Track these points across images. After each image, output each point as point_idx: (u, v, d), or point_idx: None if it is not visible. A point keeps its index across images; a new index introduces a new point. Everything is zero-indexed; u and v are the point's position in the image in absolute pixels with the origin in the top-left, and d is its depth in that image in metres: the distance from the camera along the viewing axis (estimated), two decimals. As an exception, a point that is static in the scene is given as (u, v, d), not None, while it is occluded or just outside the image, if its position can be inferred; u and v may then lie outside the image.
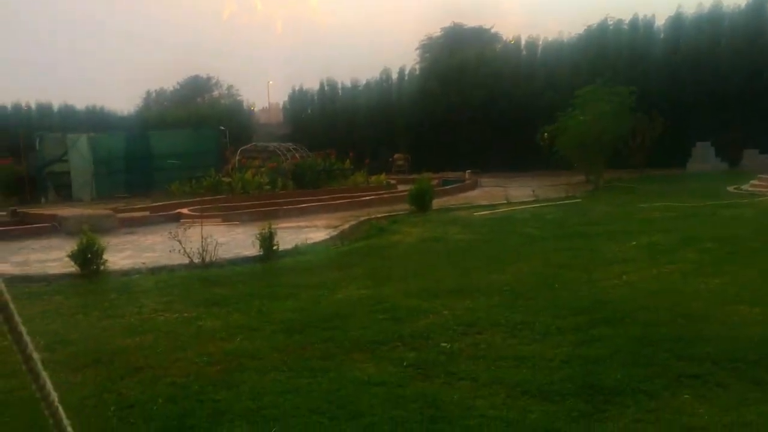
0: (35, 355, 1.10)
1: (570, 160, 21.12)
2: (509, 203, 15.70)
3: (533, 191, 17.80)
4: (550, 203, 15.56)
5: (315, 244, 10.96)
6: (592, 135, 19.23)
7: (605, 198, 16.37)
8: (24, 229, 14.40)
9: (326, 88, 37.19)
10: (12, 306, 1.07)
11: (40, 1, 75.70)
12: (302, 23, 79.01)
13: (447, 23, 44.34)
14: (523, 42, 31.71)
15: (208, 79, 53.62)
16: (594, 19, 31.97)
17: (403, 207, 15.16)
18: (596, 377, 4.29)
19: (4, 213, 17.69)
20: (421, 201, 14.62)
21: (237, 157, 24.49)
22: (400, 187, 19.95)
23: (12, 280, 9.01)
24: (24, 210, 17.50)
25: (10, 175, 23.20)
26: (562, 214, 13.27)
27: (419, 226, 12.38)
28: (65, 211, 15.65)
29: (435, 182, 18.67)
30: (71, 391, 4.57)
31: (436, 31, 44.63)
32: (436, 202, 15.61)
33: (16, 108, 38.75)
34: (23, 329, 1.08)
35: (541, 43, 31.06)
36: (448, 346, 5.08)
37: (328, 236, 11.74)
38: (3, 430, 4.04)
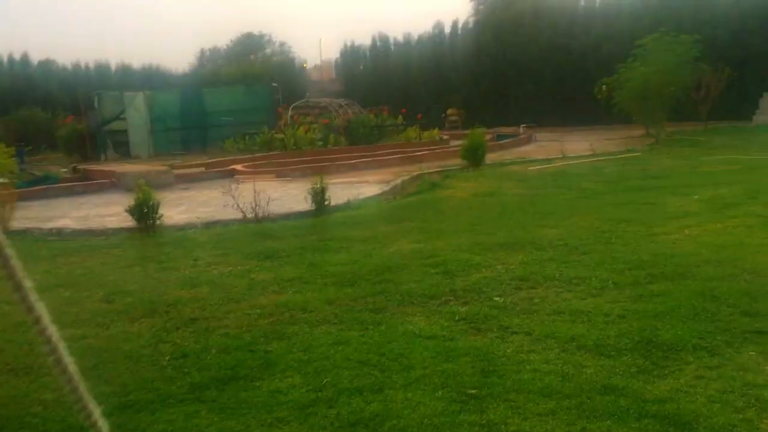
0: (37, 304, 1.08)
1: (630, 113, 20.43)
2: (565, 158, 15.32)
3: (590, 145, 17.32)
4: (608, 157, 15.12)
5: (367, 198, 10.92)
6: (654, 87, 18.50)
7: (666, 151, 15.81)
8: (84, 185, 14.79)
9: (378, 43, 36.72)
10: (12, 257, 1.03)
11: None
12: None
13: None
14: (580, -9, 30.59)
15: (261, 36, 53.63)
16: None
17: (456, 162, 14.96)
18: (655, 333, 4.15)
19: (66, 170, 18.19)
20: (473, 156, 14.39)
21: (290, 114, 24.54)
22: (453, 143, 19.68)
23: (73, 234, 9.30)
24: (84, 167, 17.97)
25: (71, 133, 23.78)
26: (620, 168, 12.88)
27: (472, 180, 12.21)
28: (123, 168, 16.00)
29: (488, 137, 18.33)
30: (128, 339, 4.68)
31: (490, -19, 43.44)
32: (490, 157, 15.34)
33: (76, 68, 39.52)
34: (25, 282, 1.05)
35: (599, -8, 29.91)
36: (501, 300, 4.99)
37: (380, 191, 11.69)
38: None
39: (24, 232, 9.45)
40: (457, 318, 4.68)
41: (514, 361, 3.89)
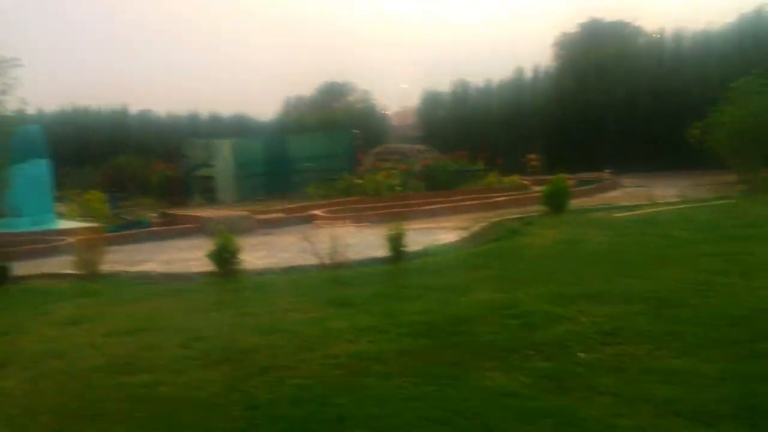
0: None
1: (722, 157, 19.52)
2: (653, 204, 14.71)
3: (680, 191, 16.60)
4: (700, 204, 14.40)
5: (445, 245, 10.74)
6: (748, 130, 17.64)
7: (763, 199, 14.95)
8: (171, 229, 15.26)
9: (458, 89, 36.84)
10: None
11: (193, 19, 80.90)
12: (432, 23, 79.12)
13: (584, 19, 42.64)
14: (667, 35, 29.84)
15: (344, 84, 54.89)
16: (748, 6, 29.49)
17: (537, 208, 14.60)
18: (760, 398, 3.77)
19: (155, 215, 18.88)
20: (556, 202, 14.01)
21: (370, 160, 24.78)
22: (535, 188, 19.29)
23: (158, 278, 9.53)
24: (172, 212, 18.60)
25: (162, 179, 24.82)
26: (713, 215, 12.22)
27: (554, 227, 11.83)
28: (207, 213, 16.44)
29: (571, 182, 17.87)
30: (201, 387, 4.64)
31: (572, 27, 43.07)
32: (573, 203, 14.91)
33: (171, 117, 41.52)
34: None
35: (687, 35, 29.08)
36: (586, 357, 4.69)
37: (458, 238, 11.49)
38: (138, 425, 4.13)
39: (114, 275, 9.75)
40: (538, 375, 4.41)
41: (602, 425, 3.60)
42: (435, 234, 11.99)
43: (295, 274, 8.93)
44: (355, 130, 28.01)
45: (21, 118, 10.84)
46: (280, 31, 79.26)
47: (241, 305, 7.14)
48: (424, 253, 9.94)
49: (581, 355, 4.74)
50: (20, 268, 10.36)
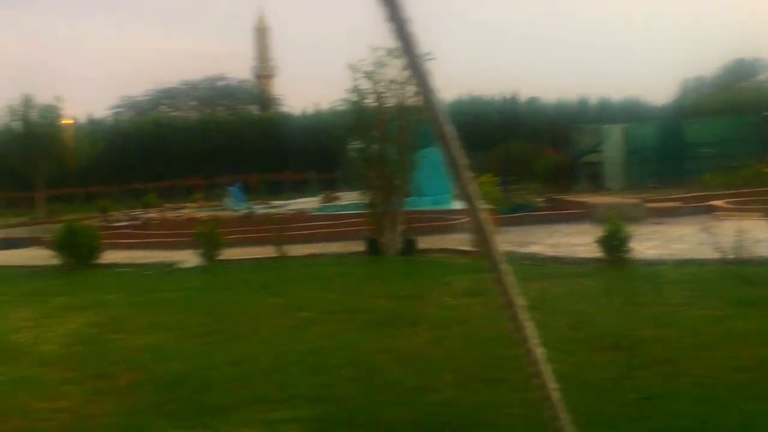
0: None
1: None
2: None
3: None
4: None
5: None
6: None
7: None
8: (556, 214, 15.48)
9: None
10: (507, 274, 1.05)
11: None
12: None
13: None
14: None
15: (754, 61, 48.90)
16: None
17: None
18: None
19: (541, 199, 19.35)
20: None
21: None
22: None
23: (545, 260, 9.77)
24: (558, 197, 18.85)
25: (549, 165, 25.33)
26: None
27: None
28: (595, 199, 16.26)
29: None
30: (592, 370, 4.66)
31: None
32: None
33: (559, 103, 42.08)
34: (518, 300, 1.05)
35: None
36: None
37: None
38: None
39: (504, 255, 10.30)
40: None
41: None
42: None
43: (691, 268, 8.30)
44: (765, 113, 24.79)
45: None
46: (680, 8, 73.89)
47: (631, 294, 6.95)
48: None
49: None
50: (423, 242, 11.61)
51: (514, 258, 10.12)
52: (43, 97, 25.42)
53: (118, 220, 19.13)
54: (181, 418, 4.20)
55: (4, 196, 33.87)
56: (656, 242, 10.79)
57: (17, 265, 12.63)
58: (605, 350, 5.07)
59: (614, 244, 8.71)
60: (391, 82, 11.03)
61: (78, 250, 11.36)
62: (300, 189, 34.58)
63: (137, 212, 21.49)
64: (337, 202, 21.18)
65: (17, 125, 24.96)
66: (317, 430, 3.92)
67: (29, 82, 51.09)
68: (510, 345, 5.30)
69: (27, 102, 24.87)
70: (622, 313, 6.16)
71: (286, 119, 42.42)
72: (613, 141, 23.81)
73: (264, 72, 60.03)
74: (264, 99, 53.94)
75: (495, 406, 4.12)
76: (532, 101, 42.53)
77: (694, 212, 14.21)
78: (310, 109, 43.08)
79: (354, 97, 11.17)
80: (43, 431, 4.14)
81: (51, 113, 25.08)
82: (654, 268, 8.54)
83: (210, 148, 39.33)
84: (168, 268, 11.02)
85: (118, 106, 51.24)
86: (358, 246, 11.77)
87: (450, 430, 3.82)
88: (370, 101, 11.19)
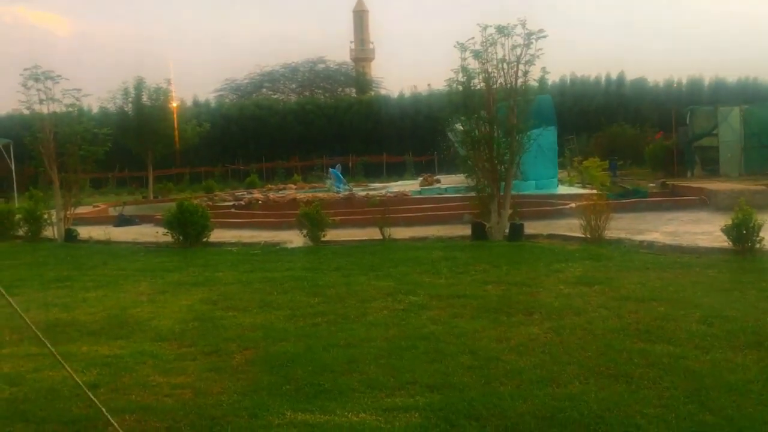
0: None
1: None
2: None
3: None
4: None
5: None
6: None
7: None
8: (672, 201, 14.69)
9: None
10: None
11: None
12: None
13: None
14: None
15: None
16: None
17: None
18: None
19: (654, 185, 18.43)
20: None
21: None
22: None
23: (663, 249, 9.22)
24: (672, 182, 17.90)
25: (660, 149, 24.11)
26: None
27: None
28: (713, 186, 15.30)
29: None
30: (732, 370, 4.30)
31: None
32: None
33: (668, 84, 40.06)
34: None
35: None
36: None
37: None
38: (668, 394, 4.01)
39: (617, 242, 9.83)
40: None
41: None
42: None
43: (832, 260, 7.63)
44: None
45: (541, 88, 11.57)
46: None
47: (766, 288, 6.40)
48: None
49: None
50: (529, 228, 11.24)
51: (629, 245, 9.63)
52: (153, 80, 26.43)
53: (224, 200, 19.68)
54: (297, 401, 4.15)
55: (118, 175, 35.70)
56: (787, 232, 9.99)
57: (131, 241, 13.17)
58: (746, 348, 4.66)
59: (744, 233, 8.10)
60: (501, 61, 10.68)
61: (189, 228, 11.70)
62: (398, 171, 34.61)
63: (241, 192, 22.06)
64: (437, 185, 20.97)
65: (130, 107, 26.04)
66: (438, 419, 3.76)
67: (141, 66, 53.46)
68: (635, 338, 4.99)
69: (139, 85, 25.89)
70: (760, 308, 5.67)
71: (384, 101, 42.48)
72: (730, 123, 22.32)
73: (362, 55, 60.37)
74: (362, 81, 54.24)
75: (626, 404, 3.84)
76: (638, 82, 40.70)
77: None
78: (407, 92, 42.96)
79: (461, 77, 10.88)
80: (164, 407, 4.18)
81: (161, 96, 26.00)
82: (789, 260, 7.89)
83: (309, 131, 40.00)
84: (274, 248, 11.17)
85: (222, 90, 52.90)
86: (463, 230, 11.54)
87: (579, 428, 3.58)
88: (478, 81, 10.88)
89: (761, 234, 8.26)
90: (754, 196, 12.65)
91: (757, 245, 8.14)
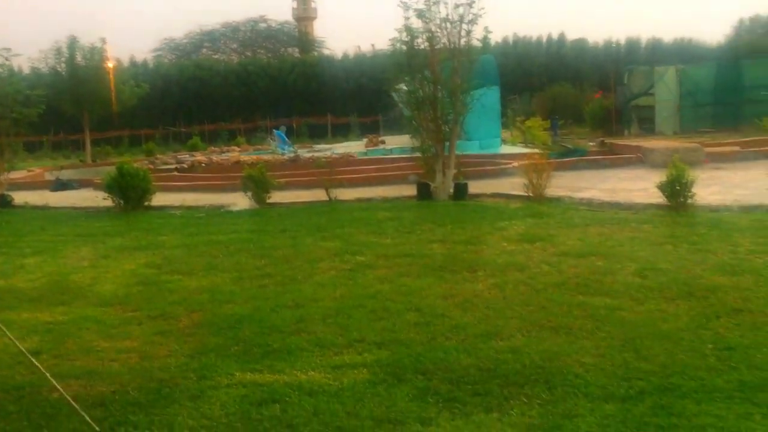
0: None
1: None
2: None
3: None
4: None
5: None
6: None
7: None
8: (611, 159, 15.08)
9: None
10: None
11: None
12: None
13: None
14: None
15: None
16: None
17: None
18: None
19: (593, 143, 18.85)
20: None
21: None
22: None
23: (601, 205, 9.50)
24: (610, 141, 18.33)
25: (599, 108, 24.62)
26: None
27: None
28: (649, 144, 15.75)
29: None
30: (665, 320, 4.50)
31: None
32: None
33: (607, 45, 40.70)
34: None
35: None
36: None
37: None
38: (605, 344, 4.18)
39: (558, 200, 10.08)
40: None
41: None
42: None
43: (758, 214, 7.99)
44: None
45: (484, 48, 11.61)
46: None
47: (697, 241, 6.69)
48: None
49: None
50: (473, 187, 11.40)
51: (569, 203, 9.90)
52: (87, 39, 25.36)
53: (166, 163, 19.28)
54: (245, 361, 4.17)
55: (53, 138, 34.46)
56: (717, 188, 10.42)
57: (70, 206, 12.82)
58: (677, 299, 4.88)
59: (677, 189, 8.41)
60: (444, 20, 10.67)
61: (130, 192, 11.46)
62: (343, 133, 34.42)
63: (183, 155, 21.63)
64: (382, 146, 20.99)
65: (63, 67, 25.00)
66: (385, 375, 3.85)
67: (74, 25, 51.16)
68: (574, 292, 5.16)
69: (72, 44, 24.84)
70: (690, 261, 5.92)
71: (328, 62, 41.93)
72: (666, 83, 22.94)
73: (305, 14, 59.22)
74: (305, 41, 53.34)
75: (565, 355, 3.99)
76: (579, 42, 41.23)
77: (755, 157, 13.70)
78: (351, 53, 42.50)
79: (405, 37, 10.83)
80: (110, 371, 4.15)
81: (96, 55, 25.02)
82: (718, 214, 8.25)
83: (252, 92, 39.28)
84: (218, 211, 11.05)
85: (160, 50, 51.26)
86: (409, 190, 11.63)
87: (521, 379, 3.71)
88: (421, 41, 10.86)
89: (693, 190, 8.58)
90: (687, 154, 13.10)
91: (690, 200, 8.46)
